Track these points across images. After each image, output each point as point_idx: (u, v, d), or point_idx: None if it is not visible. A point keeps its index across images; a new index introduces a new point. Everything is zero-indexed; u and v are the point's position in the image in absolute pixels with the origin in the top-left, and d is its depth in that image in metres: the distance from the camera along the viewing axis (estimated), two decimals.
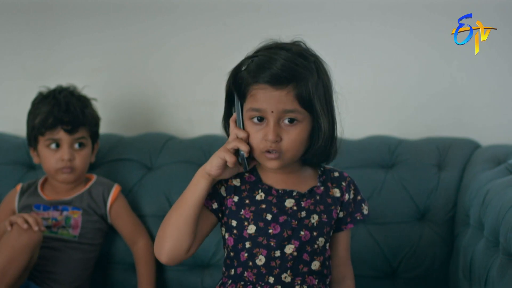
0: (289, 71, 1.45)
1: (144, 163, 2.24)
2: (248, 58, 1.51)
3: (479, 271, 1.71)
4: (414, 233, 2.06)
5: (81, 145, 2.06)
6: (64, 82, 2.15)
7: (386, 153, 2.17)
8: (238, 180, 1.56)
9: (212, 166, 1.49)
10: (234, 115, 1.53)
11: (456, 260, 1.96)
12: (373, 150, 2.18)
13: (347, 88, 2.22)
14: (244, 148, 1.48)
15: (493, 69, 2.25)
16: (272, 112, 1.46)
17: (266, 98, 1.46)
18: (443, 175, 2.10)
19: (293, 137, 1.48)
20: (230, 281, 1.55)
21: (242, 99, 1.50)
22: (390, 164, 2.16)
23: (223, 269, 1.59)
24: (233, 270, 1.54)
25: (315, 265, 1.54)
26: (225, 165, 1.49)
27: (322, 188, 1.57)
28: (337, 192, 1.59)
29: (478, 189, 1.87)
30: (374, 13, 2.31)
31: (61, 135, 2.03)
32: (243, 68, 1.50)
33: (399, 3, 2.28)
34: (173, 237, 1.49)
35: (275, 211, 1.52)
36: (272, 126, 1.46)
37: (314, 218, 1.54)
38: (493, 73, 2.26)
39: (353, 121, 2.25)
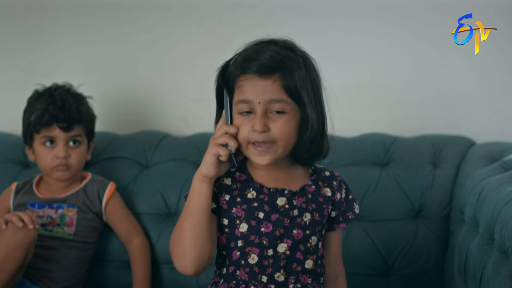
0: (275, 61, 1.46)
1: (139, 161, 2.24)
2: (237, 53, 1.52)
3: (474, 268, 1.71)
4: (409, 230, 2.07)
5: (76, 142, 2.06)
6: (59, 81, 2.14)
7: (381, 151, 2.17)
8: (229, 179, 1.55)
9: (208, 167, 1.48)
10: (230, 128, 1.52)
11: (451, 257, 1.96)
12: (368, 148, 2.19)
13: (342, 86, 2.24)
14: (233, 144, 1.48)
15: (487, 67, 2.26)
16: (259, 103, 1.46)
17: (253, 88, 1.46)
18: (438, 172, 2.10)
19: (281, 125, 1.47)
20: (222, 280, 1.54)
21: (231, 94, 1.51)
22: (385, 162, 2.16)
23: (215, 268, 1.58)
24: (225, 269, 1.54)
25: (309, 263, 1.53)
26: (218, 161, 1.49)
27: (313, 186, 1.57)
28: (328, 191, 1.58)
29: (473, 187, 1.87)
30: (369, 12, 2.31)
31: (57, 132, 2.03)
32: (231, 62, 1.51)
33: (395, 1, 2.28)
34: (194, 246, 1.48)
35: (267, 210, 1.51)
36: (259, 116, 1.46)
37: (307, 217, 1.53)
38: (487, 71, 2.27)
39: (348, 119, 2.27)
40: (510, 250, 1.49)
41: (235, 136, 1.49)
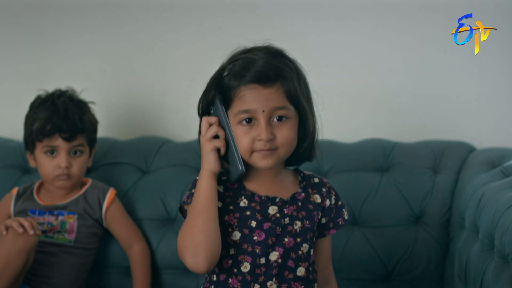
0: (273, 68, 1.47)
1: (140, 166, 2.24)
2: (228, 63, 1.52)
3: (474, 274, 1.71)
4: (409, 236, 2.06)
5: (78, 152, 2.05)
6: (59, 84, 2.13)
7: (381, 157, 2.17)
8: (222, 187, 1.55)
9: (212, 163, 1.49)
10: (211, 119, 1.52)
11: (451, 263, 1.96)
12: (368, 154, 2.18)
13: (342, 92, 2.24)
14: (221, 133, 1.49)
15: (488, 72, 2.26)
16: (264, 111, 1.47)
17: (256, 97, 1.47)
18: (438, 178, 2.10)
19: (285, 133, 1.49)
20: (212, 286, 1.54)
21: (227, 106, 1.51)
22: (385, 168, 2.16)
23: (206, 274, 1.57)
24: (215, 276, 1.54)
25: (300, 271, 1.53)
26: (218, 155, 1.50)
27: (303, 194, 1.57)
28: (317, 198, 1.59)
29: (473, 192, 1.87)
30: (368, 15, 2.31)
31: (59, 142, 2.02)
32: (225, 74, 1.51)
33: (394, 4, 2.28)
34: (207, 243, 1.46)
35: (259, 218, 1.52)
36: (264, 125, 1.47)
37: (297, 225, 1.54)
38: (488, 76, 2.27)
39: (348, 124, 2.27)
40: (510, 256, 1.50)
41: (227, 134, 1.50)
